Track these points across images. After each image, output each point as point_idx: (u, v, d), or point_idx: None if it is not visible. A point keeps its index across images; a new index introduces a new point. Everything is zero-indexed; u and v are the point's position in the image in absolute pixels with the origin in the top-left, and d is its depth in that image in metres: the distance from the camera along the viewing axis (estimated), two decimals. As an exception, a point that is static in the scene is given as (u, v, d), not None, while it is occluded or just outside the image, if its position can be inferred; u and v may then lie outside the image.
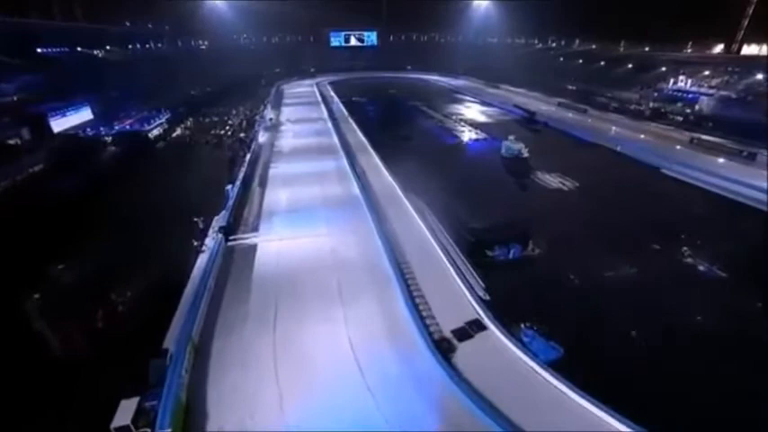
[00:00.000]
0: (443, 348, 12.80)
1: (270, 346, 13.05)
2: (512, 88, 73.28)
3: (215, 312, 14.53)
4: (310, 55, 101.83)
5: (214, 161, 31.15)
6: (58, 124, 36.21)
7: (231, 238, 19.42)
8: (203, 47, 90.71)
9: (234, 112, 48.30)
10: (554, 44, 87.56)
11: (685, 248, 18.47)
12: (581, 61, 75.51)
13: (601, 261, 17.84)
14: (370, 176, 27.40)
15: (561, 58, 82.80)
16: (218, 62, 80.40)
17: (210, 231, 19.69)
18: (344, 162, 29.69)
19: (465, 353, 12.86)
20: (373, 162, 30.51)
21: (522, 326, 13.51)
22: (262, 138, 36.59)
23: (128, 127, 37.86)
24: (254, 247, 18.73)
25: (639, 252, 18.56)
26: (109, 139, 35.65)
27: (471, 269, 16.89)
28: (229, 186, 24.16)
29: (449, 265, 17.00)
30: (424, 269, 16.91)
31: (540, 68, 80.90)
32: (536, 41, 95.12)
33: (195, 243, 18.48)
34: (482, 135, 39.54)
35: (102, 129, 36.65)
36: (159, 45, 66.04)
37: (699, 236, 19.43)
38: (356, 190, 24.50)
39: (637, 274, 17.03)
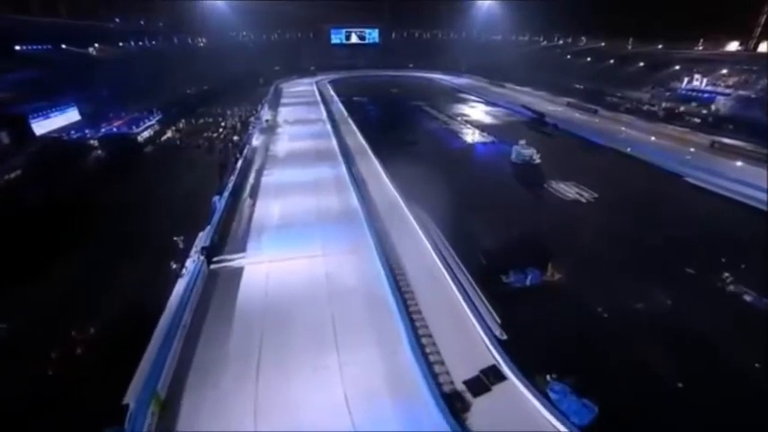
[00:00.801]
0: (456, 407, 10.74)
1: (250, 401, 11.00)
2: (517, 87, 70.95)
3: (189, 356, 12.48)
4: (310, 52, 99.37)
5: (204, 167, 28.99)
6: (41, 126, 34.19)
7: (215, 259, 17.37)
8: (201, 44, 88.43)
9: (229, 112, 46.18)
10: (560, 42, 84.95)
11: (726, 274, 16.32)
12: (589, 59, 73.04)
13: (629, 289, 15.74)
14: (371, 185, 25.28)
15: (568, 56, 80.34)
16: (217, 60, 78.26)
17: (192, 252, 17.65)
18: (343, 169, 27.58)
19: (480, 410, 10.81)
20: (374, 168, 28.37)
21: (549, 378, 11.41)
22: (256, 141, 34.49)
23: (115, 129, 35.75)
24: (239, 271, 16.67)
25: (672, 278, 16.43)
26: (94, 142, 33.63)
27: (484, 299, 14.79)
28: (216, 197, 22.09)
29: (458, 295, 14.90)
30: (431, 299, 14.83)
31: (546, 67, 78.58)
32: (541, 39, 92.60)
33: (174, 266, 16.43)
34: (489, 138, 37.33)
35: (87, 131, 34.58)
36: (153, 42, 63.75)
37: (739, 258, 17.28)
38: (355, 202, 22.39)
39: (672, 305, 14.90)
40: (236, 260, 17.46)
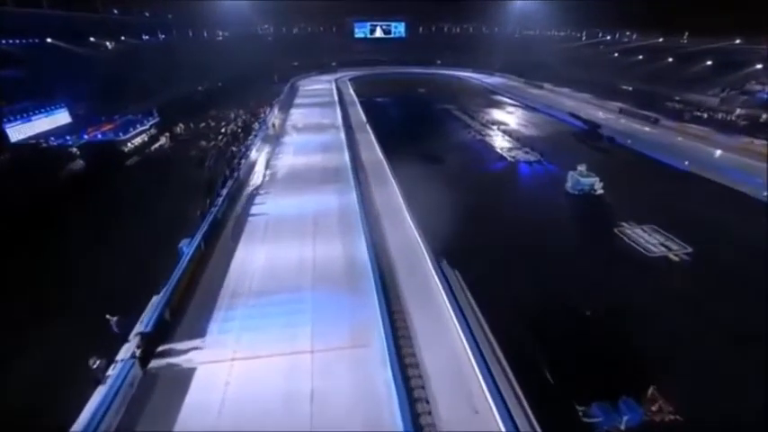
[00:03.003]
0: None
1: None
2: (556, 88, 63.61)
3: None
4: (332, 47, 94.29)
5: (189, 187, 24.04)
6: (19, 131, 30.36)
7: (159, 350, 12.25)
8: (220, 38, 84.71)
9: (232, 115, 41.44)
10: (607, 37, 76.43)
11: None
12: (640, 57, 64.63)
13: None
14: (387, 224, 19.62)
15: (615, 54, 72.02)
16: (233, 54, 74.14)
17: (132, 335, 12.59)
18: (353, 197, 22.01)
19: None
20: (392, 197, 22.64)
21: None
22: (255, 153, 29.44)
23: (99, 135, 31.46)
24: (188, 375, 11.46)
25: None
26: (75, 150, 29.41)
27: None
28: (185, 242, 16.99)
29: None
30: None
31: (588, 65, 70.87)
32: (581, 35, 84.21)
33: (94, 364, 11.34)
34: (534, 155, 30.96)
35: (68, 137, 30.41)
36: (163, 36, 59.89)
37: None
38: (364, 253, 16.79)
39: None
40: (187, 353, 12.26)
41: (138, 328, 12.65)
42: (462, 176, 26.54)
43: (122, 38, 48.57)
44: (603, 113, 47.28)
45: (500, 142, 34.99)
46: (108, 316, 12.58)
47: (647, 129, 40.17)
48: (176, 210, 20.72)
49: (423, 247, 17.23)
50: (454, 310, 13.55)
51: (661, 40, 62.55)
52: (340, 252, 17.26)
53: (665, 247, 18.28)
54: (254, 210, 21.26)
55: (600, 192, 23.76)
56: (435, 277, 15.43)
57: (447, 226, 19.03)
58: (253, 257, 16.85)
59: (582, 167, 23.94)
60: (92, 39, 41.60)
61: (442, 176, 26.15)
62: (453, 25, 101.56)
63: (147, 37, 55.32)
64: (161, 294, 13.98)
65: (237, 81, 63.44)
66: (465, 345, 12.19)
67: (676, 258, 17.47)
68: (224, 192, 21.79)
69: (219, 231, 18.73)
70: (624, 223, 20.30)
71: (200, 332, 13.01)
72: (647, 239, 18.86)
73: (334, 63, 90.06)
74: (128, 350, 11.82)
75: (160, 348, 12.27)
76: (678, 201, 23.05)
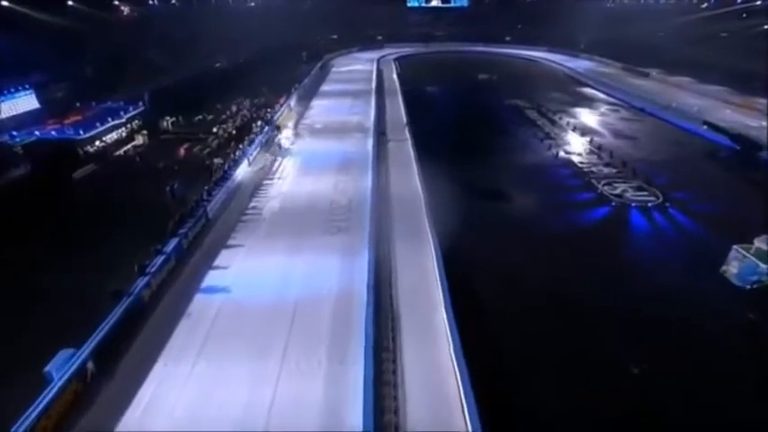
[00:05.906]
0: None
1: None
2: (669, 78, 52.06)
3: None
4: (381, 17, 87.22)
5: (140, 232, 17.73)
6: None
7: None
8: (252, 3, 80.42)
9: (234, 108, 35.81)
10: (758, 2, 62.21)
11: None
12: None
13: None
14: (409, 338, 12.53)
15: (766, 27, 58.27)
16: (264, 24, 69.43)
17: None
18: (365, 267, 15.07)
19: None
20: (428, 281, 14.94)
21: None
22: (245, 169, 23.45)
23: (53, 132, 26.87)
24: None
25: None
26: (19, 149, 25.12)
27: None
28: (61, 357, 10.98)
29: None
30: None
31: (717, 44, 58.13)
32: (704, 2, 70.32)
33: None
34: (651, 194, 22.16)
35: (15, 134, 26.09)
36: (173, 2, 55.81)
37: None
38: (359, 412, 9.91)
39: None
40: None
41: None
42: (535, 234, 18.31)
43: (117, 2, 44.51)
44: (754, 119, 36.04)
45: (593, 165, 26.33)
46: None
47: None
48: (101, 277, 14.55)
49: (461, 394, 10.11)
50: None
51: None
52: (320, 397, 10.52)
53: None
54: (206, 282, 14.99)
55: (790, 285, 15.14)
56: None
57: (518, 345, 11.87)
58: (166, 403, 10.51)
59: (762, 243, 15.23)
60: (70, 3, 37.34)
61: (505, 234, 18.37)
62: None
63: (155, 2, 51.33)
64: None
65: (263, 56, 58.60)
66: None
67: None
68: (171, 245, 15.79)
69: (136, 330, 12.62)
70: None
71: None
72: None
73: (379, 37, 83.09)
74: None
75: None
76: None
